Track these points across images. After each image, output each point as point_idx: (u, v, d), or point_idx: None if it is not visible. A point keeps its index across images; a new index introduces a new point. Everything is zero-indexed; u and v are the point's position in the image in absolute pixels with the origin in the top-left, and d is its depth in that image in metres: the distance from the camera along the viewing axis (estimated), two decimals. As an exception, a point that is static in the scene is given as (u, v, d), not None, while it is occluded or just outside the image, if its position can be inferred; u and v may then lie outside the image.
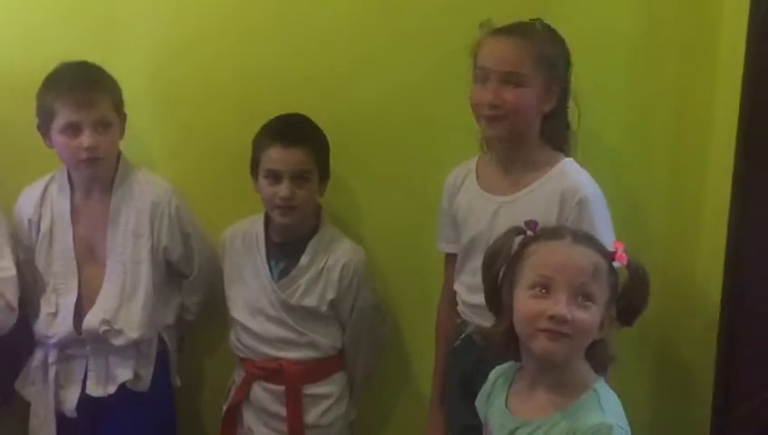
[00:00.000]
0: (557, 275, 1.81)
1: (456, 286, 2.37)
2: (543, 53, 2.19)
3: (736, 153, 2.34)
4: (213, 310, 2.61)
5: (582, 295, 1.80)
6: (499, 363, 2.02)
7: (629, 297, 1.87)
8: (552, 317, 1.78)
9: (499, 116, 2.19)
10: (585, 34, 2.36)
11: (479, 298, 2.24)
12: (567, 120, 2.29)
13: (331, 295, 2.49)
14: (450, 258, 2.42)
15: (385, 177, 2.59)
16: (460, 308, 2.36)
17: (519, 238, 1.90)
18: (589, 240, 1.88)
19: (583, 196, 2.18)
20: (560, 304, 1.78)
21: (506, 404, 1.92)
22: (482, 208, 2.29)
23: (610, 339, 1.87)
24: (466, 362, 2.30)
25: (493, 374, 2.01)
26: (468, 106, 2.24)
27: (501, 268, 1.90)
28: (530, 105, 2.20)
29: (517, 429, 1.87)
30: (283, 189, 2.41)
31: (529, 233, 1.90)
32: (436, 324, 2.47)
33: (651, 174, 2.50)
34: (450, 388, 2.38)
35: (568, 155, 2.28)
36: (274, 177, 2.42)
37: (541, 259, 1.85)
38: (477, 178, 2.33)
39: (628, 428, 1.80)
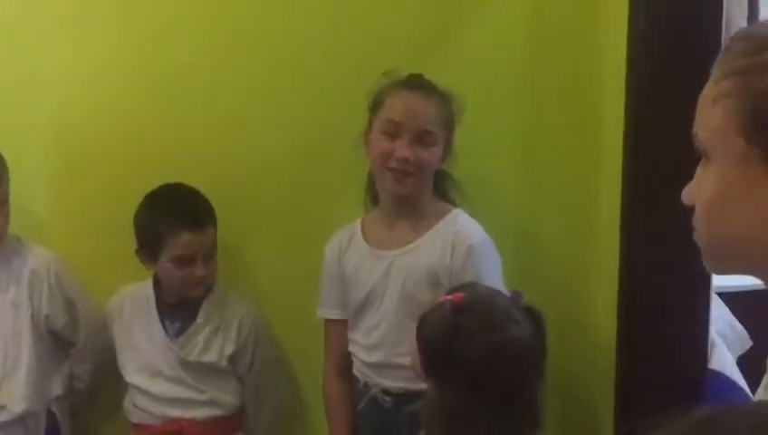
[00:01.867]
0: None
1: (352, 348, 2.34)
2: (448, 113, 2.23)
3: (623, 195, 2.37)
4: (106, 376, 2.53)
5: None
6: (407, 424, 2.06)
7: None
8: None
9: (408, 172, 2.19)
10: (471, 82, 2.37)
11: (378, 356, 2.23)
12: (451, 174, 2.32)
13: (229, 350, 2.45)
14: (332, 325, 2.39)
15: (272, 237, 2.55)
16: (358, 370, 2.33)
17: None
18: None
19: (471, 244, 2.21)
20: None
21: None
22: (373, 265, 2.28)
23: None
24: (373, 426, 2.28)
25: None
26: (353, 163, 2.24)
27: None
28: (436, 163, 2.23)
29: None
30: (198, 270, 2.38)
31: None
32: (326, 397, 2.42)
33: (542, 218, 2.51)
34: None
35: (457, 206, 2.30)
36: (187, 260, 2.38)
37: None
38: (364, 236, 2.32)
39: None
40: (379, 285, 2.26)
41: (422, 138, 2.20)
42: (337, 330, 2.37)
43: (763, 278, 1.10)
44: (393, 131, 2.19)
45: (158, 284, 2.47)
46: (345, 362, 2.37)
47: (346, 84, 2.38)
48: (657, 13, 2.24)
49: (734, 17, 2.45)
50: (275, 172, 2.52)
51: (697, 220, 1.11)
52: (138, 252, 2.41)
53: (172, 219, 2.36)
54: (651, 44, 2.24)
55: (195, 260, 2.37)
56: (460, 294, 1.91)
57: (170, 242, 2.36)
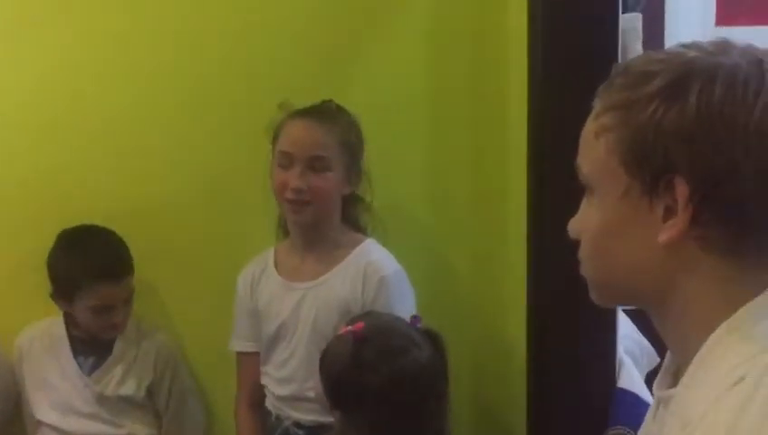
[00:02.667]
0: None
1: (264, 381, 2.33)
2: (344, 135, 2.21)
3: (529, 212, 2.41)
4: (15, 417, 2.48)
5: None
6: None
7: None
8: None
9: (304, 201, 2.18)
10: (377, 108, 2.38)
11: (289, 389, 2.24)
12: (365, 201, 2.31)
13: (147, 381, 2.43)
14: (244, 357, 2.38)
15: (184, 267, 2.53)
16: (271, 403, 2.32)
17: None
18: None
19: (383, 276, 2.21)
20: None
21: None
22: (285, 298, 2.27)
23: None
24: None
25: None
26: (269, 192, 2.23)
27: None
28: (334, 189, 2.21)
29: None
30: (116, 317, 2.36)
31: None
32: (237, 429, 2.41)
33: (454, 245, 2.54)
34: None
35: (368, 233, 2.30)
36: (105, 309, 2.35)
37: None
38: (276, 267, 2.31)
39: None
40: (291, 319, 2.25)
41: (313, 164, 2.18)
42: (249, 362, 2.36)
43: (647, 309, 1.12)
44: (286, 162, 2.19)
45: (69, 319, 2.43)
46: (257, 394, 2.36)
47: (255, 110, 2.36)
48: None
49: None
50: (187, 201, 2.50)
51: (583, 253, 1.13)
52: (53, 295, 2.38)
53: (91, 270, 2.33)
54: (551, 67, 2.27)
55: (113, 308, 2.36)
56: (360, 324, 1.92)
57: (88, 292, 2.33)
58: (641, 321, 2.75)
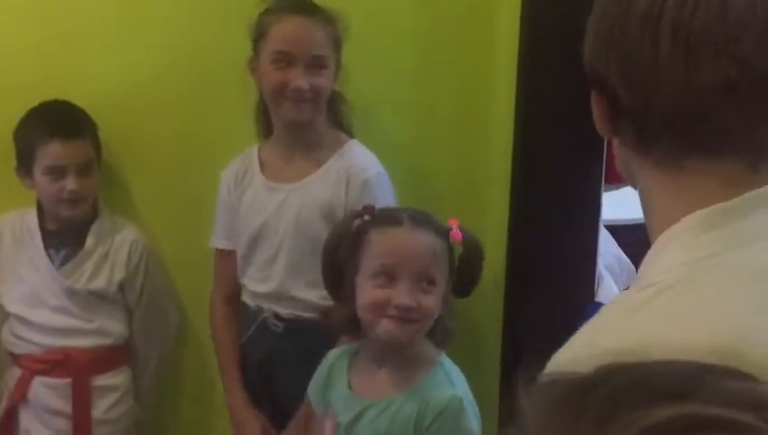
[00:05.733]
0: (400, 263, 1.84)
1: (244, 280, 2.31)
2: (335, 33, 2.18)
3: (515, 129, 2.39)
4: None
5: (425, 280, 1.85)
6: (295, 351, 2.07)
7: (465, 270, 1.94)
8: (397, 306, 1.81)
9: (306, 99, 2.15)
10: (367, 13, 2.32)
11: (269, 286, 2.24)
12: (346, 99, 2.28)
13: (119, 276, 2.40)
14: (223, 254, 2.35)
15: (161, 164, 2.48)
16: (249, 298, 2.30)
17: (355, 223, 1.90)
18: (427, 223, 1.91)
19: (367, 177, 2.20)
20: (404, 294, 1.82)
21: (350, 386, 1.93)
22: (268, 199, 2.24)
23: (448, 314, 1.94)
24: (262, 351, 2.27)
25: (330, 357, 2.01)
26: (247, 88, 2.19)
27: (343, 255, 1.91)
28: (330, 87, 2.19)
29: (366, 410, 1.90)
30: (70, 183, 2.30)
31: (366, 218, 1.91)
32: (212, 324, 2.39)
33: (436, 151, 2.49)
34: (248, 380, 2.32)
35: (352, 135, 2.27)
36: (58, 172, 2.30)
37: (383, 248, 1.87)
38: (261, 168, 2.28)
39: (473, 399, 1.89)
40: (273, 219, 2.23)
41: (314, 63, 2.15)
42: (227, 260, 2.34)
43: None
44: (284, 60, 2.14)
45: (41, 212, 2.39)
46: (234, 290, 2.35)
47: (236, 5, 2.29)
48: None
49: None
50: (165, 96, 2.44)
51: None
52: (17, 169, 2.35)
53: (43, 129, 2.31)
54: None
55: (66, 173, 2.31)
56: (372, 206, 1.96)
57: (41, 152, 2.30)
58: (622, 236, 2.74)
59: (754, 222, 0.94)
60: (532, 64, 2.32)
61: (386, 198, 2.21)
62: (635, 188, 1.05)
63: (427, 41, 2.44)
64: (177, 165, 2.47)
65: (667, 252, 0.94)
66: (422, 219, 1.91)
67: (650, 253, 0.97)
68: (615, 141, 1.03)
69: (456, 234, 1.92)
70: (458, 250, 1.94)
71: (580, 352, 0.90)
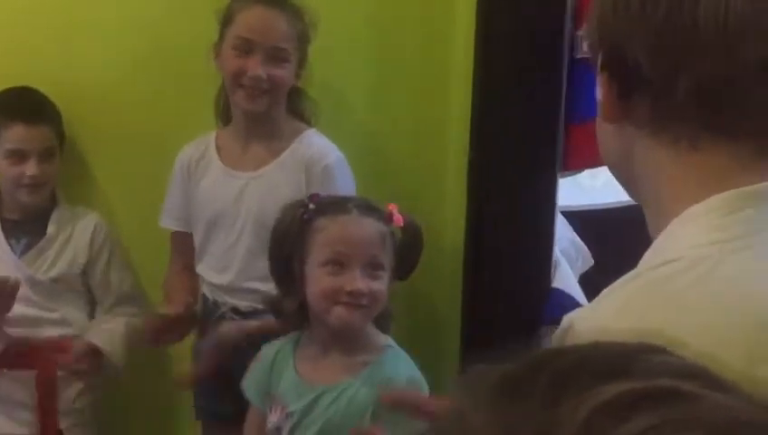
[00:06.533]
0: (350, 250, 1.87)
1: (200, 269, 2.31)
2: (301, 28, 2.19)
3: (472, 117, 2.42)
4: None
5: (375, 266, 1.89)
6: (256, 346, 2.04)
7: (406, 254, 1.97)
8: (350, 292, 1.85)
9: (263, 90, 2.15)
10: (325, 2, 2.32)
11: (226, 278, 2.24)
12: (308, 93, 2.29)
13: (82, 259, 2.41)
14: (179, 236, 2.35)
15: (124, 144, 2.49)
16: (207, 290, 2.31)
17: (301, 212, 1.92)
18: (372, 210, 1.94)
19: (327, 163, 2.21)
20: (356, 280, 1.86)
21: (298, 374, 1.94)
22: (226, 186, 2.24)
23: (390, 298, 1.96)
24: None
25: (268, 352, 2.01)
26: (207, 73, 2.19)
27: (291, 244, 1.92)
28: (290, 81, 2.19)
29: (320, 396, 1.91)
30: (30, 168, 2.30)
31: (311, 206, 1.92)
32: (166, 286, 2.36)
33: (395, 138, 2.52)
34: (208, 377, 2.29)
35: (311, 125, 2.28)
36: (19, 156, 2.30)
37: (333, 235, 1.90)
38: (219, 154, 2.28)
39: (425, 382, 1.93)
40: (232, 207, 2.23)
41: (275, 55, 2.16)
42: (183, 240, 2.34)
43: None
44: (245, 48, 2.15)
45: (0, 202, 2.40)
46: (191, 265, 2.33)
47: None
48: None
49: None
50: (125, 80, 2.46)
51: None
52: None
53: (6, 112, 2.32)
54: None
55: (27, 157, 2.31)
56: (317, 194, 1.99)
57: (3, 135, 2.31)
58: (578, 222, 2.78)
59: None
60: (489, 54, 2.35)
61: (346, 183, 2.23)
62: (618, 172, 1.07)
63: (384, 30, 2.46)
64: (139, 146, 2.48)
65: (688, 230, 0.97)
66: (367, 206, 1.95)
67: (668, 229, 0.98)
68: (611, 126, 1.03)
69: (398, 219, 1.95)
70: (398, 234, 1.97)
71: (607, 326, 0.92)
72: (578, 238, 2.75)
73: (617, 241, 3.18)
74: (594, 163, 2.59)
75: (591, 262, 2.78)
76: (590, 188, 3.16)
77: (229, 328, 2.21)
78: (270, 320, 2.08)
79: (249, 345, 2.11)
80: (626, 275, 0.98)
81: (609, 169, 1.10)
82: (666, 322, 0.90)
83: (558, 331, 0.97)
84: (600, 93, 1.03)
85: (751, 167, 0.99)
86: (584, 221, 2.87)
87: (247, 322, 2.20)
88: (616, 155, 1.06)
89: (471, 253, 2.46)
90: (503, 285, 2.42)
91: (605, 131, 1.06)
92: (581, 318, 0.96)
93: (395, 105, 2.50)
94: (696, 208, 0.97)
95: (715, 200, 0.97)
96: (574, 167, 2.53)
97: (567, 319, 0.97)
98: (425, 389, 1.92)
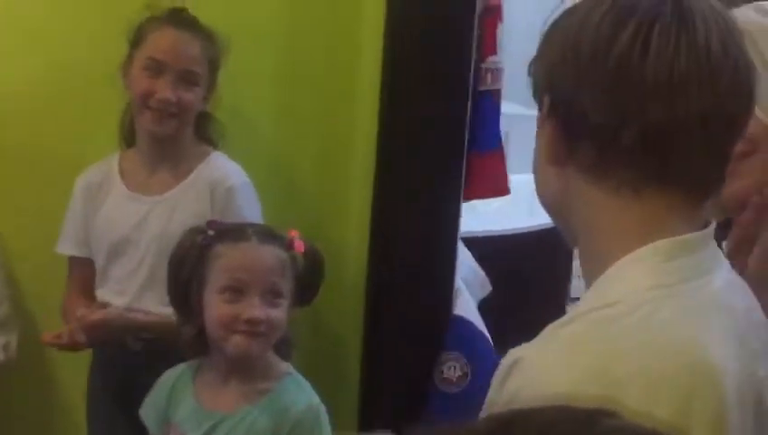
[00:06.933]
0: (248, 277, 1.86)
1: (101, 294, 2.24)
2: (214, 54, 2.18)
3: (378, 142, 2.42)
4: None
5: (274, 294, 1.88)
6: (155, 370, 2.01)
7: (307, 280, 1.97)
8: (247, 320, 1.83)
9: (171, 113, 2.13)
10: (232, 24, 2.30)
11: (125, 299, 2.20)
12: (216, 118, 2.28)
13: None
14: (78, 262, 2.28)
15: (22, 163, 2.42)
16: None
17: (200, 238, 1.91)
18: (272, 237, 1.94)
19: (230, 185, 2.19)
20: (255, 307, 1.84)
21: (197, 401, 1.92)
22: (130, 210, 2.20)
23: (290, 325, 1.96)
24: (119, 372, 2.21)
25: (167, 378, 1.99)
26: (109, 97, 2.16)
27: (190, 270, 1.91)
28: (199, 105, 2.18)
29: (218, 424, 1.89)
30: None
31: (210, 233, 1.92)
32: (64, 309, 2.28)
33: (302, 164, 2.52)
34: (102, 402, 2.26)
35: (217, 148, 2.27)
36: None
37: (232, 262, 1.88)
38: (122, 177, 2.24)
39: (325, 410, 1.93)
40: (135, 232, 2.19)
41: (186, 78, 2.14)
42: (82, 267, 2.27)
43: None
44: (156, 69, 2.12)
45: None
46: (89, 292, 2.27)
47: (102, 11, 2.29)
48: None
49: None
50: (20, 98, 2.39)
51: None
52: None
53: None
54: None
55: None
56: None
57: None
58: (477, 249, 2.82)
59: (705, 256, 1.04)
60: (395, 82, 2.37)
61: (251, 206, 2.22)
62: (556, 213, 1.11)
63: (291, 56, 2.46)
64: (37, 166, 2.42)
65: (628, 274, 1.01)
66: (267, 233, 1.95)
67: (609, 273, 1.02)
68: (553, 169, 1.06)
69: (299, 245, 1.96)
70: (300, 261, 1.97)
71: (555, 366, 0.96)
72: (477, 265, 2.78)
73: (514, 266, 3.25)
74: (493, 193, 2.64)
75: (490, 288, 2.82)
76: (484, 213, 3.21)
77: (118, 313, 2.16)
78: (164, 321, 2.05)
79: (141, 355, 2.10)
80: (569, 313, 1.03)
81: (547, 209, 1.12)
82: (609, 363, 0.95)
83: (502, 367, 1.00)
84: (543, 136, 1.06)
85: (685, 215, 1.04)
86: (482, 247, 2.91)
87: (135, 314, 2.16)
88: (555, 197, 1.09)
89: (374, 279, 2.47)
90: (405, 311, 2.44)
91: (546, 173, 1.08)
92: (528, 357, 0.99)
93: (302, 131, 2.49)
94: (636, 254, 1.02)
95: (654, 247, 1.02)
96: (475, 197, 2.57)
97: (511, 356, 1.00)
98: (324, 416, 1.92)
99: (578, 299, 1.09)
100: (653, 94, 0.99)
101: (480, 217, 3.17)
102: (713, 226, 1.06)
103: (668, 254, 1.01)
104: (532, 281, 3.29)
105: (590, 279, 1.06)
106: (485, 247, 2.96)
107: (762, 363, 1.04)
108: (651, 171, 1.02)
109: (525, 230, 3.39)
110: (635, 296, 0.99)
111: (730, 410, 0.97)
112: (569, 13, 1.05)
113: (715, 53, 0.99)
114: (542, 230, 3.16)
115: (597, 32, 1.00)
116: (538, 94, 1.07)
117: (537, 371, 0.97)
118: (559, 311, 4.02)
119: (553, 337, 1.00)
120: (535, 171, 1.11)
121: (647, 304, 0.98)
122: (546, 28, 1.07)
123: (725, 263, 1.09)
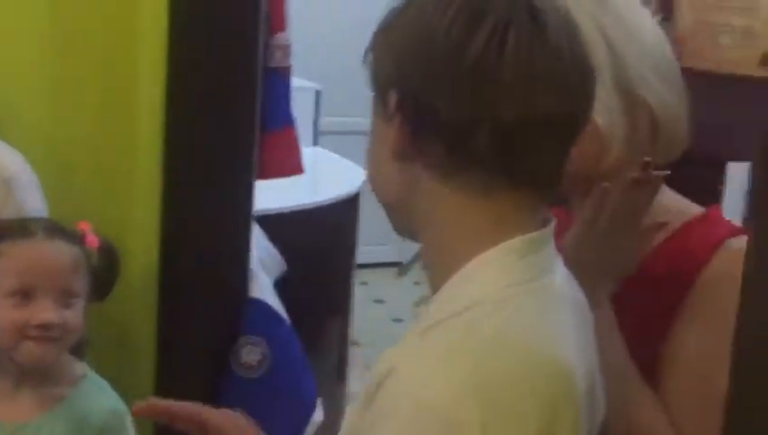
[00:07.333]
0: (37, 278, 1.70)
1: None
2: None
3: (164, 125, 2.33)
4: None
5: (68, 294, 1.74)
6: None
7: (102, 276, 1.85)
8: (39, 326, 1.69)
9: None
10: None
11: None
12: None
13: None
14: None
15: None
16: None
17: None
18: (61, 232, 1.79)
19: (10, 174, 2.03)
20: (47, 311, 1.70)
21: None
22: None
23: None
24: None
25: None
26: None
27: None
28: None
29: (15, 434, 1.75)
30: None
31: None
32: None
33: (81, 150, 2.37)
34: None
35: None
36: None
37: (17, 263, 1.72)
38: None
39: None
40: None
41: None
42: None
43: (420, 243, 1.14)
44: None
45: None
46: None
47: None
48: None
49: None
50: None
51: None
52: None
53: None
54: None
55: None
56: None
57: None
58: (270, 228, 2.76)
59: (550, 252, 1.07)
60: (181, 61, 2.27)
61: (34, 199, 2.07)
62: (396, 209, 1.10)
63: (65, 46, 2.31)
64: None
65: (484, 274, 1.02)
66: (55, 228, 1.79)
67: (463, 273, 1.03)
68: (397, 164, 1.05)
69: (93, 240, 1.84)
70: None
71: (433, 378, 0.96)
72: (272, 245, 2.73)
73: (303, 243, 3.22)
74: (289, 172, 2.59)
75: (285, 267, 2.77)
76: (267, 190, 3.15)
77: None
78: None
79: None
80: (425, 318, 1.03)
81: (385, 204, 1.11)
82: (484, 373, 0.96)
83: (378, 372, 0.99)
84: (388, 132, 1.05)
85: (531, 213, 1.06)
86: (274, 226, 2.85)
87: None
88: (397, 192, 1.08)
89: (166, 268, 2.37)
90: (199, 298, 2.37)
91: (388, 168, 1.07)
92: (404, 363, 0.98)
93: (79, 114, 2.35)
94: (490, 254, 1.03)
95: (507, 246, 1.03)
96: (269, 176, 2.51)
97: (387, 362, 0.99)
98: (127, 420, 1.82)
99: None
100: (508, 94, 0.99)
101: (264, 194, 3.12)
102: (554, 222, 1.08)
103: (520, 252, 1.03)
104: (321, 255, 3.29)
105: (435, 273, 1.06)
106: (277, 226, 2.91)
107: (593, 351, 1.08)
108: (501, 170, 1.03)
109: (311, 206, 3.38)
110: (495, 295, 1.00)
111: (582, 409, 1.01)
112: (410, 4, 1.04)
113: (566, 54, 1.01)
114: (326, 206, 3.25)
115: (451, 30, 1.00)
116: (379, 86, 1.05)
117: (414, 385, 0.96)
118: (346, 282, 4.02)
119: (427, 342, 1.00)
120: (372, 164, 1.10)
121: (507, 303, 1.00)
122: (388, 17, 1.05)
123: (560, 257, 1.11)
